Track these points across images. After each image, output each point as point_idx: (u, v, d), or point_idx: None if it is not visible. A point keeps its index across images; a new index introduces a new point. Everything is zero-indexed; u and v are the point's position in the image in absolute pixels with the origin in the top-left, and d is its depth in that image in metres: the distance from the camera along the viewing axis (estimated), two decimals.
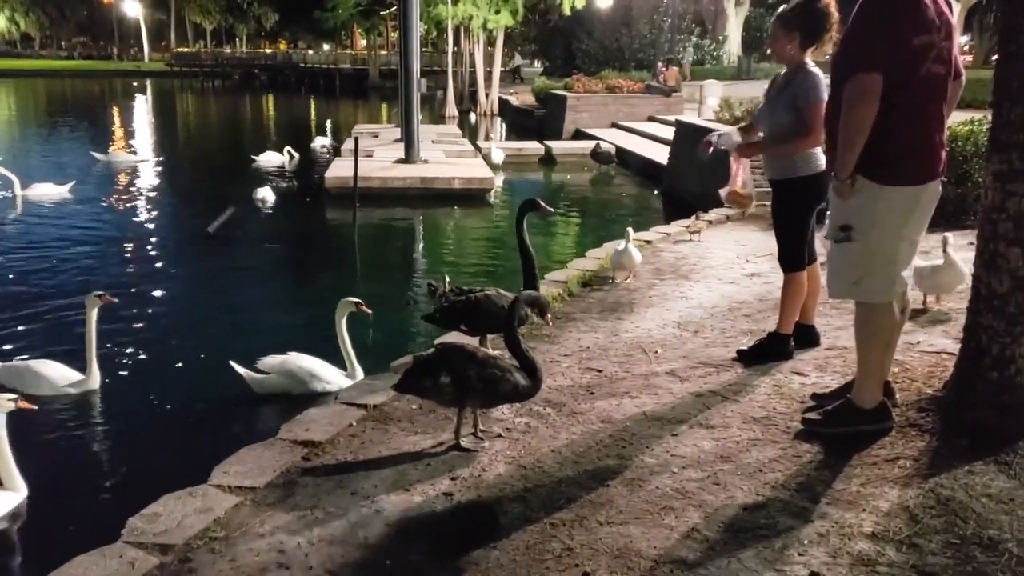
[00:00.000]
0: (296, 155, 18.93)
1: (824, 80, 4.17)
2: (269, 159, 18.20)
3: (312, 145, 19.82)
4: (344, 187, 13.12)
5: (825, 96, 4.03)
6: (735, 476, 3.31)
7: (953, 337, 4.66)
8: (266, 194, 13.64)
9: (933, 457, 3.30)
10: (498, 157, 17.71)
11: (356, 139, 13.40)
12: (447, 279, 4.98)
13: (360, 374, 5.65)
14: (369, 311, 5.82)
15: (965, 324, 3.63)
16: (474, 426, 3.80)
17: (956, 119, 9.00)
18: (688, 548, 2.82)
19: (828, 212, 3.57)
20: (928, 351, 4.49)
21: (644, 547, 2.84)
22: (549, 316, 3.85)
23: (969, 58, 33.11)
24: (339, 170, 14.12)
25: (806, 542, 2.81)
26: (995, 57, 3.54)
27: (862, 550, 2.74)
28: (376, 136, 19.94)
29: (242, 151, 22.54)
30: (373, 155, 15.91)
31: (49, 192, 13.62)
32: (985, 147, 3.66)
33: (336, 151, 18.57)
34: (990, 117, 3.51)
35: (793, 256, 4.48)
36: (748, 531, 2.90)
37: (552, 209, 4.93)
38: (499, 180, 15.29)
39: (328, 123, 21.34)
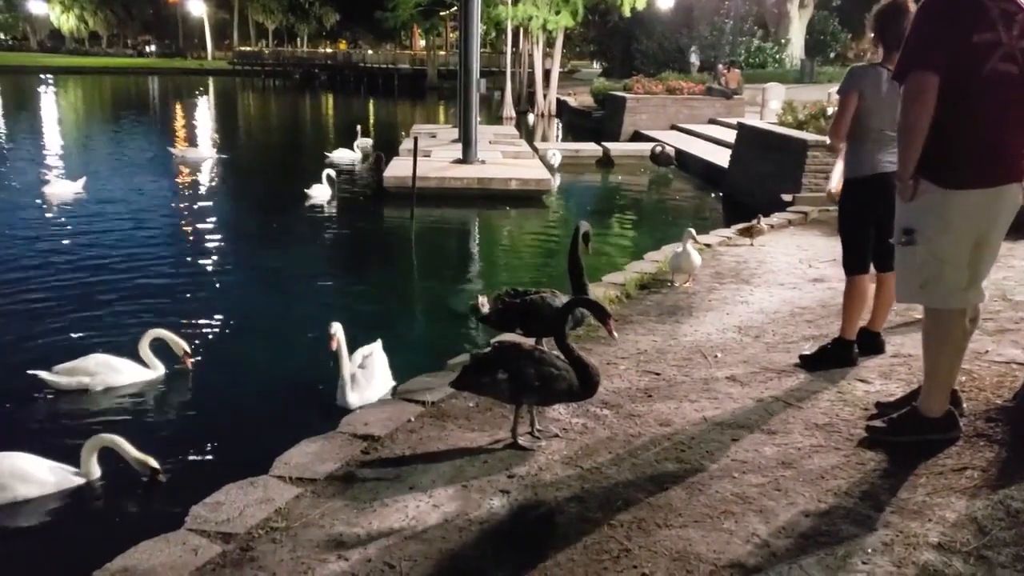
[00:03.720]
0: (371, 152, 19.01)
1: (880, 76, 4.23)
2: (342, 156, 18.36)
3: (357, 145, 19.80)
4: (402, 186, 13.25)
5: (851, 89, 4.27)
6: (797, 482, 3.26)
7: (1023, 347, 4.53)
8: (319, 191, 13.77)
9: (1002, 468, 3.21)
10: (555, 158, 17.70)
11: (415, 139, 13.54)
12: (483, 299, 4.96)
13: (351, 400, 5.31)
14: (333, 349, 5.33)
15: None
16: (531, 425, 3.81)
17: None
18: (748, 553, 2.79)
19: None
20: (997, 361, 4.37)
21: (703, 551, 2.83)
22: (611, 322, 3.63)
23: None
24: (397, 169, 14.27)
25: (870, 551, 2.76)
26: None
27: (928, 560, 2.68)
28: (434, 136, 20.12)
29: (309, 148, 22.91)
30: (431, 155, 16.06)
31: (65, 190, 13.53)
32: None
33: (367, 156, 18.73)
34: None
35: (849, 258, 4.49)
36: (810, 538, 2.86)
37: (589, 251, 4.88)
38: (556, 182, 15.28)
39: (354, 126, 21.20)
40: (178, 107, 37.35)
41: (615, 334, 3.72)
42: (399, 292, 9.11)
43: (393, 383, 5.50)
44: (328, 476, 3.49)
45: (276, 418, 5.34)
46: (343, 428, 3.97)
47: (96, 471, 4.51)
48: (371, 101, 46.09)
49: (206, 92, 48.30)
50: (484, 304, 4.85)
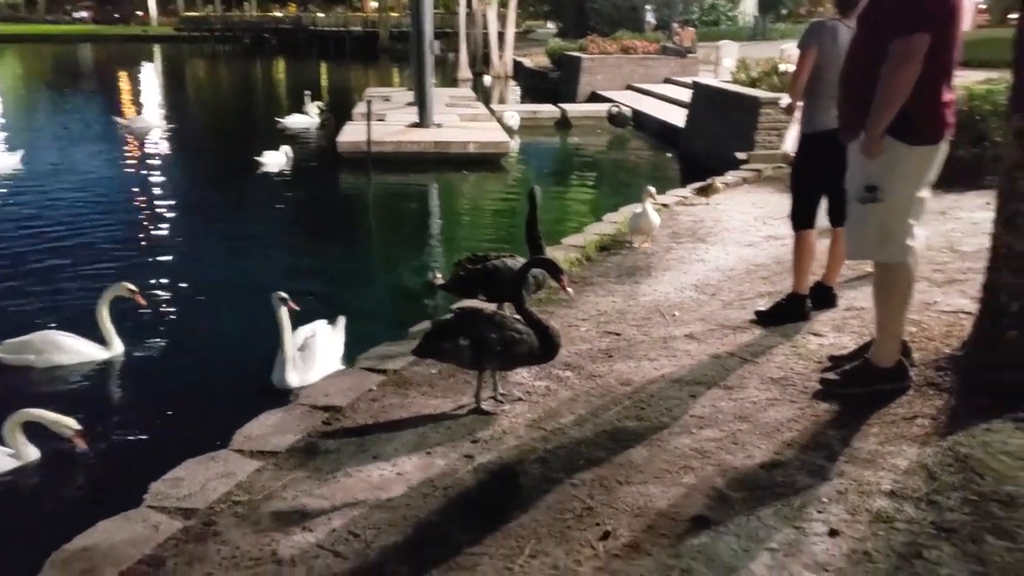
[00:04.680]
0: (328, 113, 18.54)
1: (838, 31, 4.24)
2: (295, 121, 17.87)
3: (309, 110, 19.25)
4: (357, 151, 13.09)
5: (810, 44, 4.30)
6: (753, 436, 3.33)
7: (970, 296, 4.64)
8: (272, 158, 13.44)
9: (951, 415, 3.31)
10: (513, 121, 17.57)
11: (369, 102, 13.33)
12: (438, 274, 4.93)
13: (291, 381, 5.18)
14: (297, 308, 5.34)
15: (984, 283, 3.61)
16: (494, 389, 3.83)
17: (973, 79, 8.86)
18: (707, 506, 2.86)
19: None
20: (946, 311, 4.48)
21: (664, 506, 2.88)
22: (565, 278, 3.71)
23: (985, 17, 32.43)
24: (352, 134, 14.07)
25: (825, 500, 2.84)
26: (1013, 16, 3.47)
27: (881, 507, 2.76)
28: (388, 100, 19.83)
29: (261, 114, 22.41)
30: (386, 119, 15.84)
31: (1, 163, 12.99)
32: (1004, 106, 3.61)
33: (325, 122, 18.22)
34: (1009, 76, 3.46)
35: (798, 213, 4.58)
36: (767, 489, 2.93)
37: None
38: (515, 144, 15.19)
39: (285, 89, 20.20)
40: (122, 75, 36.20)
41: (570, 290, 3.78)
42: (358, 260, 9.04)
43: (341, 366, 5.24)
44: (290, 448, 3.49)
45: (234, 392, 5.30)
46: (303, 399, 3.96)
47: (30, 451, 4.42)
48: (323, 65, 45.25)
49: (151, 59, 46.97)
50: (438, 278, 4.84)
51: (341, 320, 5.68)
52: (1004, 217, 3.47)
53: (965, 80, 8.46)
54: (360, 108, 16.14)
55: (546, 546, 2.71)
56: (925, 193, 3.40)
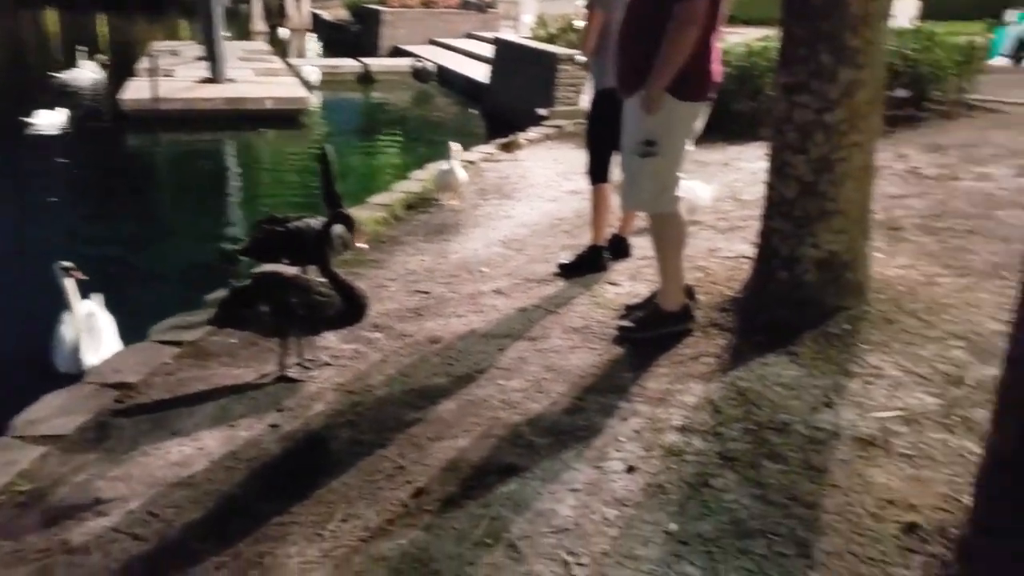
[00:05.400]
0: (108, 64, 17.05)
1: None
2: (75, 76, 16.21)
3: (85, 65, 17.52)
4: (143, 109, 12.18)
5: (595, 3, 4.41)
6: (556, 383, 3.46)
7: (750, 242, 5.01)
8: (45, 118, 12.07)
9: (733, 353, 3.58)
10: (313, 76, 16.95)
11: (155, 57, 12.41)
12: (236, 238, 4.69)
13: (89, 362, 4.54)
14: (85, 277, 4.77)
15: (759, 229, 3.92)
16: (299, 355, 3.73)
17: (753, 35, 9.53)
18: (515, 455, 2.95)
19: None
20: (728, 256, 4.82)
21: (474, 458, 2.94)
22: (357, 233, 3.70)
23: None
24: (136, 91, 13.05)
25: (622, 439, 3.00)
26: None
27: (672, 442, 2.96)
28: (176, 54, 18.50)
29: (31, 71, 20.31)
30: (174, 74, 14.80)
31: None
32: (776, 62, 3.89)
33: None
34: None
35: (594, 168, 4.75)
36: (569, 433, 3.06)
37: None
38: (315, 100, 14.67)
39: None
40: None
41: (359, 244, 3.79)
42: (147, 225, 8.46)
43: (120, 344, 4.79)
44: (78, 430, 3.25)
45: (12, 374, 4.83)
46: (91, 378, 3.69)
47: None
48: (103, 17, 41.47)
49: None
50: (236, 243, 4.63)
51: (99, 297, 5.19)
52: (775, 167, 3.77)
53: (746, 37, 9.08)
54: (145, 63, 14.97)
55: (357, 509, 2.70)
56: (690, 147, 3.64)
